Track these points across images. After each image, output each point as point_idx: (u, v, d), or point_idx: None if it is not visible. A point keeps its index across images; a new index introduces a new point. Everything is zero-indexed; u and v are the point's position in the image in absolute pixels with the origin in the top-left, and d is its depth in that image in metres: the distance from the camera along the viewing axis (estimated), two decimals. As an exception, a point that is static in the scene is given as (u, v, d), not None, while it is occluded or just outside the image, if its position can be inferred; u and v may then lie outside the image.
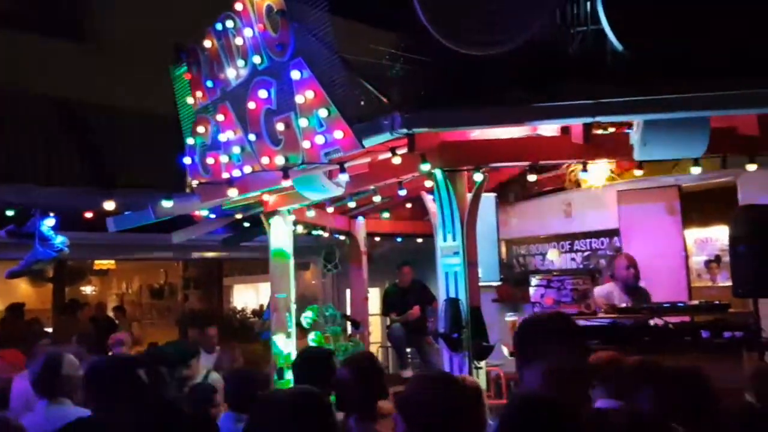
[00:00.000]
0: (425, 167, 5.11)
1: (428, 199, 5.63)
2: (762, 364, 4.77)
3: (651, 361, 3.45)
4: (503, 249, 8.47)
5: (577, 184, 7.85)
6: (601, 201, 7.47)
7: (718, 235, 7.16)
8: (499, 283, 7.59)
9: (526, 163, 5.29)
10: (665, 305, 5.38)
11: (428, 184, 5.50)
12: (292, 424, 1.94)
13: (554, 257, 8.16)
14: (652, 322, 5.24)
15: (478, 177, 5.23)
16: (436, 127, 4.96)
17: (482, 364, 4.96)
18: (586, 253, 7.83)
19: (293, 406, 1.99)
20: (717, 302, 5.45)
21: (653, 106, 4.68)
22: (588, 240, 7.81)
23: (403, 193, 5.77)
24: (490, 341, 5.17)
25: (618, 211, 7.22)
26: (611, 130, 5.40)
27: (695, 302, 5.56)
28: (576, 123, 5.01)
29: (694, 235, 7.66)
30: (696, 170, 5.26)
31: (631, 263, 5.90)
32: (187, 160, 6.30)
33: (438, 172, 5.25)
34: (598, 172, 7.63)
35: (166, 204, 6.14)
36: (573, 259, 7.85)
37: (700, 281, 7.64)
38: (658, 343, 5.16)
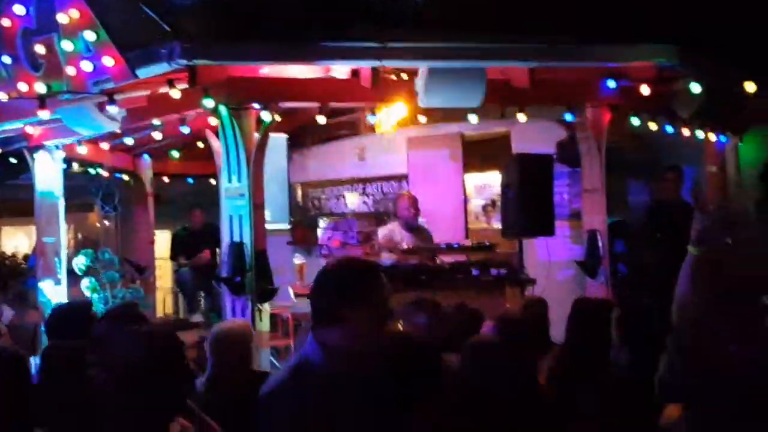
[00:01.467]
0: (208, 103, 4.82)
1: (213, 138, 5.35)
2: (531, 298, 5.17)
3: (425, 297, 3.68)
4: (299, 192, 8.43)
5: (372, 129, 7.98)
6: (392, 146, 7.67)
7: (495, 181, 7.72)
8: (291, 227, 7.56)
9: (316, 104, 5.21)
10: (442, 246, 5.70)
11: (214, 122, 5.22)
12: None
13: (353, 200, 8.30)
14: (428, 262, 5.53)
15: (266, 116, 5.05)
16: (218, 59, 4.69)
17: (266, 306, 4.90)
18: (378, 197, 8.05)
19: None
20: (486, 243, 5.90)
21: (434, 54, 4.83)
22: (380, 184, 8.02)
23: (186, 130, 5.42)
24: (284, 284, 5.14)
25: (407, 157, 7.47)
26: (404, 76, 5.51)
27: (467, 243, 5.96)
28: (363, 66, 5.02)
29: (473, 180, 8.19)
30: (473, 118, 5.56)
31: (411, 203, 6.12)
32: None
33: (223, 109, 4.98)
34: (391, 117, 7.81)
35: None
36: (365, 203, 8.04)
37: (478, 223, 8.24)
38: (434, 281, 5.48)
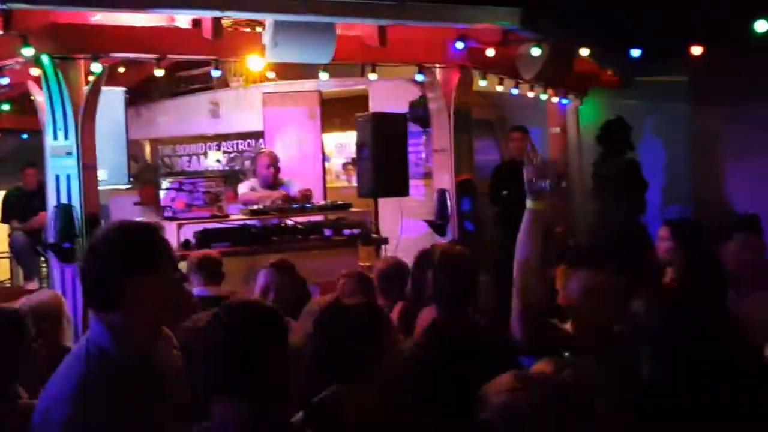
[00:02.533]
0: (27, 52, 4.35)
1: (36, 90, 4.85)
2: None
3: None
4: (147, 149, 7.96)
5: (226, 83, 7.65)
6: (247, 102, 7.40)
7: (354, 139, 7.69)
8: (139, 186, 7.13)
9: (153, 56, 4.85)
10: (294, 206, 5.59)
11: (37, 72, 4.72)
12: None
13: (206, 158, 7.95)
14: (279, 222, 5.42)
15: (96, 67, 4.65)
16: (37, 3, 4.21)
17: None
18: (232, 155, 7.77)
19: None
20: (340, 202, 5.86)
21: (280, 6, 4.62)
22: (234, 141, 7.74)
23: (4, 81, 4.87)
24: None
25: (263, 113, 7.23)
26: (248, 29, 5.26)
27: (321, 203, 5.90)
28: (203, 15, 4.72)
29: (334, 139, 8.12)
30: (324, 75, 5.44)
31: (272, 161, 5.95)
32: None
33: (45, 59, 4.52)
34: (246, 72, 7.51)
35: None
36: (218, 161, 7.73)
37: (339, 182, 8.21)
38: (286, 242, 5.38)
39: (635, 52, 4.71)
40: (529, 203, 2.35)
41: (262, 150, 6.68)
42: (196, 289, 3.57)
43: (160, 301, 1.62)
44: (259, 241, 5.25)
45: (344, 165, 8.14)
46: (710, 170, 7.24)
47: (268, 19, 4.76)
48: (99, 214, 4.69)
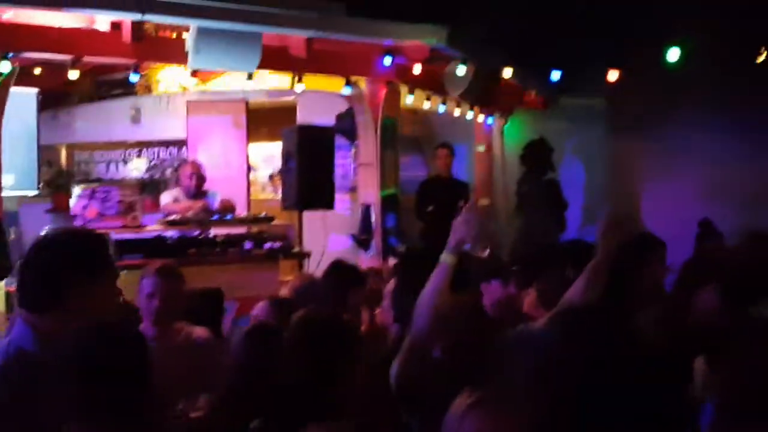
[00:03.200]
0: (-74, 47, 4.09)
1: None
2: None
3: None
4: (63, 154, 7.61)
5: (148, 89, 7.41)
6: (171, 109, 7.19)
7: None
8: (51, 193, 6.78)
9: (67, 57, 4.64)
10: (214, 218, 5.45)
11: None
12: None
13: (125, 166, 7.67)
14: (198, 234, 5.26)
15: (4, 66, 4.40)
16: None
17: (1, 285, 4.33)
18: (153, 163, 7.52)
19: None
20: (263, 215, 5.75)
21: (203, 12, 4.52)
22: (156, 149, 7.50)
23: None
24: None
25: (187, 121, 7.04)
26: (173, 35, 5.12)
27: (242, 215, 5.77)
28: (123, 18, 4.56)
29: (260, 149, 7.98)
30: (249, 84, 5.35)
31: (195, 171, 5.80)
32: None
33: (-54, 55, 4.25)
34: (170, 78, 7.31)
35: None
36: (137, 169, 7.47)
37: (265, 194, 8.07)
38: (204, 254, 5.21)
39: (555, 75, 4.84)
40: (445, 256, 2.17)
41: (185, 159, 6.49)
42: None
43: (97, 307, 1.64)
44: (174, 253, 5.03)
45: (270, 177, 8.02)
46: (628, 190, 7.53)
47: (192, 25, 4.65)
48: (1, 223, 4.42)
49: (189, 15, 4.52)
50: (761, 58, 4.72)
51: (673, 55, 4.32)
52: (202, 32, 4.65)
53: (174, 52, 4.90)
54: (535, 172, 6.86)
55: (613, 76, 4.76)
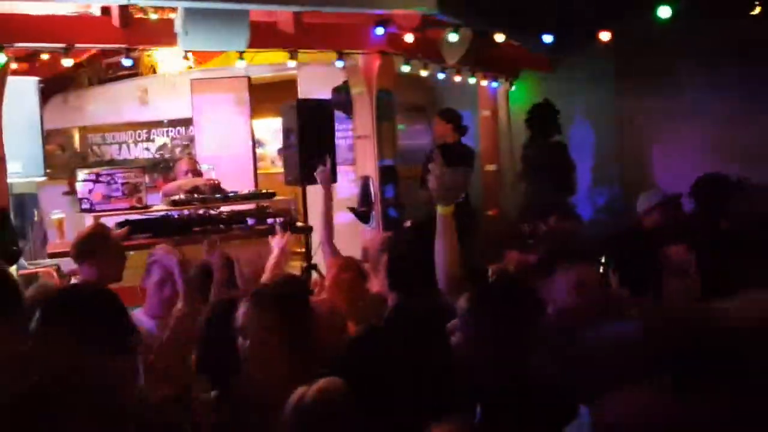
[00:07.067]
0: None
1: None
2: None
3: None
4: (76, 137, 7.78)
5: (153, 70, 7.51)
6: (176, 89, 7.28)
7: (287, 125, 7.64)
8: (68, 176, 7.00)
9: (59, 45, 4.73)
10: (217, 196, 5.54)
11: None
12: None
13: (135, 146, 7.81)
14: (203, 212, 5.38)
15: (-1, 58, 4.52)
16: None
17: (13, 269, 4.50)
18: (161, 143, 7.65)
19: None
20: (264, 191, 5.83)
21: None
22: (164, 129, 7.62)
23: None
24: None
25: (192, 100, 7.13)
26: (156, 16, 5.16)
27: (244, 191, 5.86)
28: (110, 3, 4.61)
29: (267, 124, 8.04)
30: (241, 63, 5.38)
31: (190, 168, 5.93)
32: None
33: (-57, 50, 4.38)
34: (173, 58, 7.38)
35: None
36: (147, 149, 7.61)
37: (275, 168, 8.15)
38: (208, 232, 5.33)
39: (547, 38, 4.75)
40: (438, 209, 2.33)
41: (182, 156, 6.60)
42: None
43: None
44: (180, 231, 5.19)
45: (279, 151, 8.07)
46: (637, 151, 7.39)
47: (179, 6, 4.67)
48: (8, 208, 4.59)
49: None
50: (755, 11, 4.55)
51: (664, 12, 4.20)
52: (188, 13, 4.67)
53: (163, 35, 4.94)
54: (541, 135, 6.78)
55: (605, 36, 4.64)
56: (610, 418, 1.72)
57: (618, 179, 7.43)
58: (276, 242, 3.47)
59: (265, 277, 3.15)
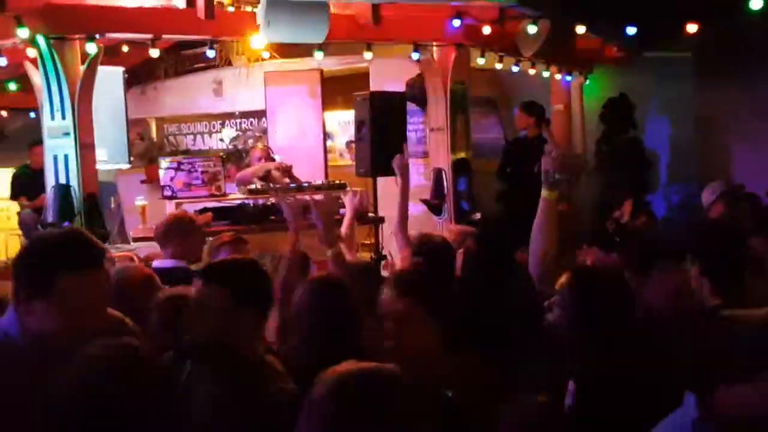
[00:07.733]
0: (23, 33, 4.42)
1: (33, 71, 4.93)
2: None
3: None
4: (153, 127, 8.03)
5: (229, 62, 7.66)
6: (250, 81, 7.41)
7: (357, 118, 7.68)
8: (145, 165, 7.23)
9: (147, 36, 4.89)
10: (291, 186, 5.63)
11: (33, 53, 4.79)
12: None
13: (210, 137, 8.01)
14: (275, 202, 5.46)
15: (91, 48, 4.69)
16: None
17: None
18: (236, 133, 7.81)
19: None
20: (336, 182, 5.89)
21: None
22: (238, 120, 7.78)
23: (2, 62, 4.95)
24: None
25: (265, 92, 7.25)
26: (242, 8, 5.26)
27: (318, 182, 5.93)
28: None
29: (337, 117, 8.11)
30: (318, 55, 5.44)
31: (263, 155, 6.03)
32: None
33: (41, 40, 4.58)
34: (249, 51, 7.51)
35: None
36: (222, 140, 7.78)
37: (343, 160, 8.22)
38: (282, 220, 5.42)
39: (631, 30, 4.63)
40: (543, 192, 2.34)
41: (256, 145, 6.71)
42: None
43: (84, 299, 1.66)
44: (256, 219, 5.31)
45: (348, 143, 8.14)
46: (716, 147, 7.14)
47: (261, -2, 4.77)
48: (97, 193, 4.78)
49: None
50: None
51: (756, 3, 4.03)
52: (271, 4, 4.76)
53: (247, 26, 5.05)
54: (616, 130, 6.63)
55: (692, 28, 4.49)
56: (722, 409, 1.67)
57: (696, 176, 7.19)
58: (348, 200, 3.56)
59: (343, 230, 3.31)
